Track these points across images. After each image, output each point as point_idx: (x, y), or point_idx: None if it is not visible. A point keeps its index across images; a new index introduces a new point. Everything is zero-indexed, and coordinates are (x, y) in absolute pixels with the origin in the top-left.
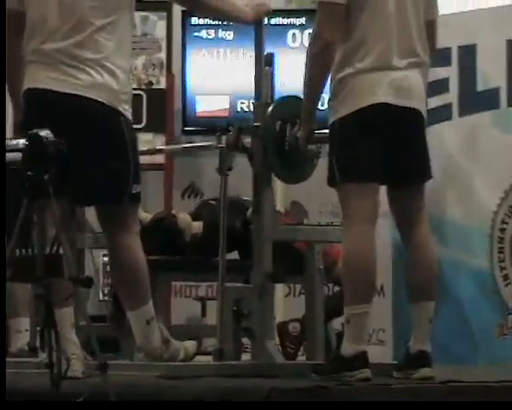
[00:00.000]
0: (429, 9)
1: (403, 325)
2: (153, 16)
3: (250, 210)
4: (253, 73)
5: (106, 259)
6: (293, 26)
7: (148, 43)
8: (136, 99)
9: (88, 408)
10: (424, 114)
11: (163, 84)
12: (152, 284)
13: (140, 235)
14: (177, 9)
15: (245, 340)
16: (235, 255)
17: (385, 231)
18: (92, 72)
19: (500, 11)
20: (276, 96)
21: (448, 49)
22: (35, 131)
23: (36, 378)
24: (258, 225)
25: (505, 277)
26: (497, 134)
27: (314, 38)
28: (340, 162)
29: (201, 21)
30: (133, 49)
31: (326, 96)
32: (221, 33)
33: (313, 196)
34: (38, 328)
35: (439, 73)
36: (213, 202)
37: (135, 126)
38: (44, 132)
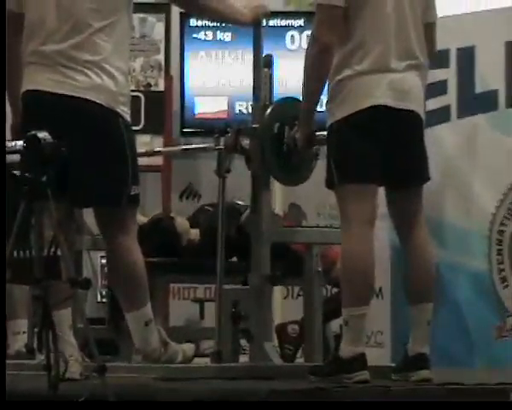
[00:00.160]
0: (427, 12)
1: (401, 327)
2: (151, 18)
3: (244, 215)
4: (252, 75)
5: (104, 261)
6: (291, 27)
7: (146, 44)
8: (134, 101)
9: (86, 409)
10: (422, 116)
11: (161, 86)
12: (150, 285)
13: (137, 235)
14: (176, 11)
15: (243, 342)
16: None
17: (383, 233)
18: (90, 73)
19: (499, 13)
20: (275, 98)
21: (446, 51)
22: (33, 132)
23: (33, 380)
24: (256, 227)
25: (503, 279)
26: (495, 136)
27: (313, 40)
28: (338, 164)
29: (200, 23)
30: (131, 50)
31: (324, 98)
32: (219, 35)
33: (311, 198)
34: (36, 330)
35: (438, 74)
36: (210, 208)
37: (133, 128)
38: (42, 134)
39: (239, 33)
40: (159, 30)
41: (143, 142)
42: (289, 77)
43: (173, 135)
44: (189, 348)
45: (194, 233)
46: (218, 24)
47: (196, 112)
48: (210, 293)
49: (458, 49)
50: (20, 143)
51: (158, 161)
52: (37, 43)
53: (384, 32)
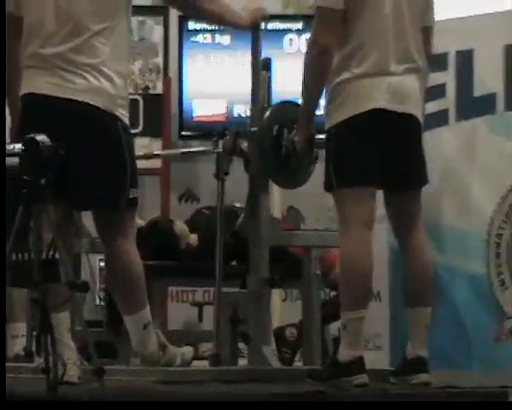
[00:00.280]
0: (426, 16)
1: (400, 330)
2: (150, 21)
3: (239, 220)
4: (250, 78)
5: (102, 264)
6: (290, 30)
7: (144, 47)
8: (132, 104)
9: None
10: (421, 119)
11: (160, 89)
12: (148, 288)
13: (136, 238)
14: (174, 14)
15: (241, 345)
16: None
17: (381, 236)
18: (89, 76)
19: (497, 17)
20: (273, 101)
21: (445, 55)
22: (31, 135)
23: (32, 383)
24: (254, 230)
25: (502, 282)
26: (493, 139)
27: (312, 44)
28: (337, 167)
29: (198, 26)
30: (130, 53)
31: (323, 101)
32: (218, 38)
33: (310, 201)
34: (35, 333)
35: (436, 78)
36: (207, 211)
37: (131, 131)
38: (41, 137)
39: (237, 36)
40: (157, 33)
41: (142, 145)
42: (288, 80)
43: (172, 138)
44: (187, 351)
45: (193, 238)
46: (217, 27)
47: (195, 115)
48: (208, 296)
49: (457, 53)
50: (19, 145)
51: (156, 163)
52: (36, 46)
53: (383, 34)
